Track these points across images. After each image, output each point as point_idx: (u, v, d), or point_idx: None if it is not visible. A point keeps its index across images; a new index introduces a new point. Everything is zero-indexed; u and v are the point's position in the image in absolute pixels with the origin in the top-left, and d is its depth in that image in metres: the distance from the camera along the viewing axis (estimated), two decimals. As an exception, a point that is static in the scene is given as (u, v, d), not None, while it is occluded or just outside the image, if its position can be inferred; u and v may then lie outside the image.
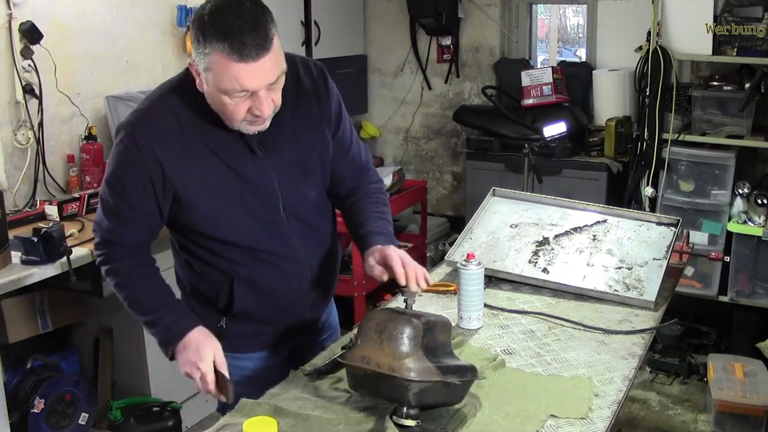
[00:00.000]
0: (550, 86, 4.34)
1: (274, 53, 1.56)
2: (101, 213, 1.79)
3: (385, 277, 1.77)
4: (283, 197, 1.79)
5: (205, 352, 1.71)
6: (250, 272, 1.82)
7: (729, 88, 3.86)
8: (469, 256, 2.05)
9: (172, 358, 1.77)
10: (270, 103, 1.63)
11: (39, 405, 3.02)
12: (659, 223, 2.53)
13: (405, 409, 1.51)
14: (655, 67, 3.85)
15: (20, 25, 3.04)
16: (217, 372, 1.70)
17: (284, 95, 1.68)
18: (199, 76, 1.61)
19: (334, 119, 1.87)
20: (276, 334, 1.94)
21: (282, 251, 1.83)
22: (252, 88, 1.57)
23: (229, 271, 1.82)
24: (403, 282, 1.71)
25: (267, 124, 1.68)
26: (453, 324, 1.93)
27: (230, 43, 1.51)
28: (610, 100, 4.29)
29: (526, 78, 4.41)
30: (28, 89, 3.10)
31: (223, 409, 1.81)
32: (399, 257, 1.75)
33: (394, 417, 1.53)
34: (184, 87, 1.70)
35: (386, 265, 1.76)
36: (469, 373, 1.59)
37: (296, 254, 1.85)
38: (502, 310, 2.17)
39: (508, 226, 2.55)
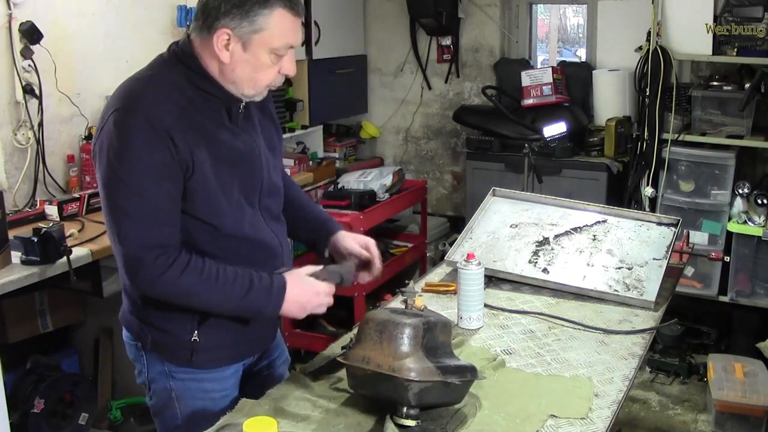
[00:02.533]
0: (550, 86, 4.34)
1: None
2: (138, 221, 1.62)
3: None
4: (263, 181, 1.81)
5: (316, 284, 1.77)
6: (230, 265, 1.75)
7: (729, 88, 3.86)
8: (469, 256, 2.05)
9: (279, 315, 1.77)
10: None
11: (39, 405, 3.02)
12: (659, 223, 2.53)
13: (405, 409, 1.51)
14: (655, 67, 3.85)
15: (20, 25, 3.04)
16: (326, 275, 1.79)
17: None
18: (228, 47, 1.65)
19: (279, 132, 1.97)
20: (244, 344, 1.89)
21: (263, 239, 1.81)
22: (296, 43, 1.72)
23: None
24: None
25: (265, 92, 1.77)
26: (453, 324, 1.93)
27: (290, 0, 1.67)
28: (610, 100, 4.29)
29: (526, 78, 4.41)
30: (28, 89, 3.10)
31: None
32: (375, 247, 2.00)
33: (394, 417, 1.53)
34: (168, 71, 1.70)
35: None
36: (469, 373, 1.59)
37: (273, 243, 1.85)
38: (502, 310, 2.18)
39: (508, 226, 2.55)
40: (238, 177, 1.75)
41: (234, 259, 1.75)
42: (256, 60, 1.66)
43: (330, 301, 1.79)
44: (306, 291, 1.76)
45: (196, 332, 1.77)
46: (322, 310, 1.80)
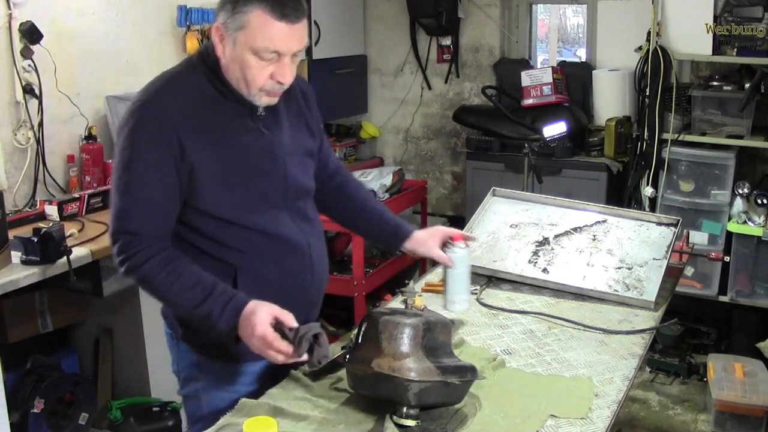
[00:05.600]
0: (550, 86, 4.34)
1: (305, 23, 1.71)
2: (122, 205, 1.71)
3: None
4: (287, 181, 1.84)
5: (258, 319, 1.62)
6: (254, 262, 1.80)
7: (729, 88, 3.86)
8: (455, 239, 2.04)
9: (237, 340, 1.70)
10: (292, 72, 1.73)
11: (39, 405, 3.01)
12: (659, 223, 2.53)
13: (405, 409, 1.52)
14: (655, 67, 3.85)
15: (20, 25, 3.04)
16: (290, 335, 1.60)
17: None
18: (223, 41, 1.69)
19: (319, 133, 2.00)
20: None
21: (287, 235, 1.83)
22: (283, 50, 1.68)
23: (233, 261, 1.79)
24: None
25: (277, 99, 1.77)
26: (441, 309, 1.96)
27: (273, 2, 1.64)
28: (610, 100, 4.28)
29: (526, 78, 4.40)
30: (28, 89, 3.10)
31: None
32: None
33: (394, 417, 1.53)
34: (191, 70, 1.78)
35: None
36: (469, 373, 1.59)
37: (300, 240, 1.86)
38: (502, 310, 2.18)
39: (508, 226, 2.55)
40: (258, 175, 1.79)
41: (258, 253, 1.80)
42: (242, 59, 1.68)
43: (270, 354, 1.61)
44: (249, 326, 1.63)
45: None
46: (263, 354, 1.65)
